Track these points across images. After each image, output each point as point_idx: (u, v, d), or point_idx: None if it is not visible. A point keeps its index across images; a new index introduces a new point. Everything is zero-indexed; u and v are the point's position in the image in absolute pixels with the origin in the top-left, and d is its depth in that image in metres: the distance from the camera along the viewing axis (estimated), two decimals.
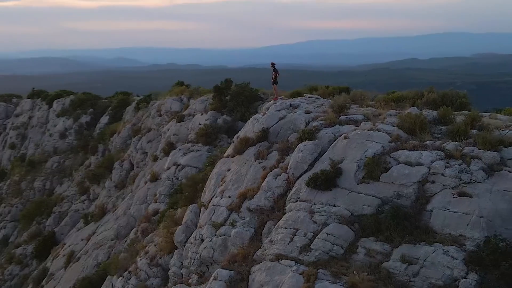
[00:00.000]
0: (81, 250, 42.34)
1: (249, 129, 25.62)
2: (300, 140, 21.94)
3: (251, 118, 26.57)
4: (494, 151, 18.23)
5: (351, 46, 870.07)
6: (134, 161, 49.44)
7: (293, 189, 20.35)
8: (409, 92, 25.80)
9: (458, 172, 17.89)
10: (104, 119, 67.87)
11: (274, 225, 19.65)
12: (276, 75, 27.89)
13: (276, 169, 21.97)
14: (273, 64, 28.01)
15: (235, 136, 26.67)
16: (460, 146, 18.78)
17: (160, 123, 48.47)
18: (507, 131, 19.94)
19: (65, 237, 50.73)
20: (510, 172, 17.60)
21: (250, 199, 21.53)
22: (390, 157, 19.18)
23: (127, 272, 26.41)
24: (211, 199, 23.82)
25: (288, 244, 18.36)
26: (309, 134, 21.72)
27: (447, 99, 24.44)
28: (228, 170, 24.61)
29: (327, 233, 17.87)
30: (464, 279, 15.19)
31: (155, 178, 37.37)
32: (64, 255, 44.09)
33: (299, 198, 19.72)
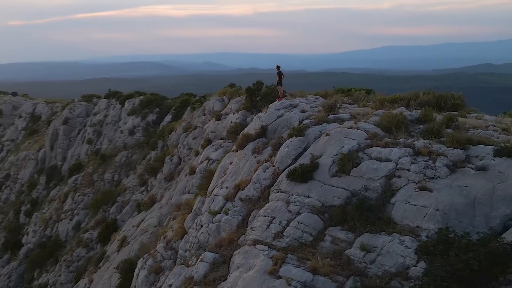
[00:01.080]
0: (131, 235, 44.38)
1: (252, 126, 26.52)
2: (290, 136, 22.57)
3: (255, 117, 27.46)
4: (460, 149, 18.34)
5: (426, 51, 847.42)
6: (181, 155, 51.26)
7: (277, 181, 21.03)
8: (407, 94, 25.88)
9: (423, 168, 18.13)
10: (168, 118, 70.11)
11: None
12: (280, 77, 28.65)
13: (266, 162, 22.66)
14: (278, 67, 28.79)
15: (241, 133, 27.64)
16: (430, 144, 18.98)
17: (204, 121, 49.87)
18: (480, 131, 19.97)
19: (124, 224, 53.17)
20: (472, 169, 17.68)
21: (242, 190, 22.34)
22: (364, 153, 19.55)
23: (147, 254, 27.90)
24: (213, 189, 24.84)
25: (264, 230, 19.09)
26: (298, 131, 22.29)
27: (441, 101, 24.42)
28: (230, 164, 25.53)
29: (298, 222, 18.47)
30: (414, 267, 15.51)
31: (192, 171, 38.68)
32: (118, 240, 46.34)
33: (280, 189, 20.35)
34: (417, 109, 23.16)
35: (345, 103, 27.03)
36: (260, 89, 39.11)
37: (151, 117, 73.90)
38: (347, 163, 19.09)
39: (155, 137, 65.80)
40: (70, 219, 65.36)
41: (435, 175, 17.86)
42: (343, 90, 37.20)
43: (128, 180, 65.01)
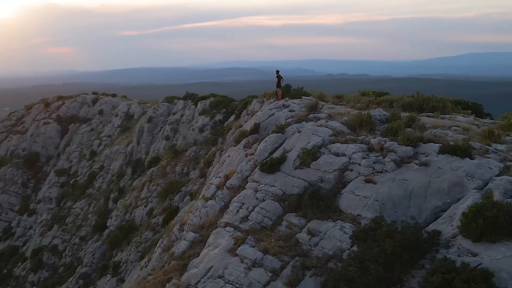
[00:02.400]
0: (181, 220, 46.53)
1: (249, 123, 27.49)
2: (273, 133, 23.39)
3: (254, 115, 28.35)
4: (410, 146, 18.59)
5: None
6: None
7: (253, 172, 21.97)
8: (393, 96, 25.92)
9: (373, 163, 18.53)
10: (232, 118, 71.95)
11: None
12: (279, 80, 29.39)
13: (251, 155, 23.56)
14: (277, 72, 29.56)
15: (239, 129, 28.61)
16: (384, 141, 19.30)
17: (247, 120, 51.16)
18: (437, 130, 20.02)
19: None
20: (416, 164, 17.91)
21: (229, 179, 23.39)
22: (326, 148, 20.08)
23: (165, 235, 29.63)
24: (211, 178, 26.13)
25: (234, 214, 20.16)
26: (280, 128, 23.03)
27: (424, 103, 24.36)
28: (228, 156, 26.70)
29: (261, 207, 19.37)
30: (348, 251, 16.16)
31: None
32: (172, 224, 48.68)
33: (253, 179, 21.21)
34: (395, 110, 23.30)
35: (337, 104, 27.42)
36: (289, 91, 39.80)
37: (218, 117, 75.92)
38: (307, 157, 19.74)
39: (218, 134, 67.89)
40: (145, 206, 68.62)
41: (383, 169, 18.23)
42: (367, 93, 37.27)
43: (194, 172, 67.31)
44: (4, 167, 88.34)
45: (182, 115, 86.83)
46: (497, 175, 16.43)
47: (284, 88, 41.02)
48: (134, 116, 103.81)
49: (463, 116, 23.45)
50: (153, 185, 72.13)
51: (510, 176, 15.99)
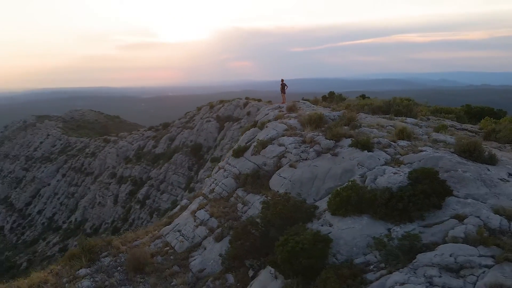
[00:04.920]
0: None
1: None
2: (257, 127, 25.50)
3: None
4: (333, 140, 19.84)
5: None
6: None
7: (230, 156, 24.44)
8: (366, 100, 26.31)
9: (301, 152, 20.04)
10: None
11: None
12: (283, 87, 31.03)
13: None
14: (282, 80, 31.20)
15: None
16: (316, 135, 20.72)
17: None
18: (363, 128, 20.87)
19: None
20: (331, 154, 19.21)
21: (222, 162, 26.12)
22: (277, 140, 21.94)
23: None
24: (220, 162, 28.86)
25: (208, 187, 23.02)
26: (262, 124, 25.00)
27: (391, 106, 24.64)
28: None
29: (222, 183, 21.89)
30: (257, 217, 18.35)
31: None
32: None
33: (228, 162, 23.75)
34: (367, 113, 24.15)
35: (326, 107, 28.45)
36: (333, 98, 40.76)
37: None
38: (260, 146, 21.81)
39: None
40: None
41: (307, 157, 19.70)
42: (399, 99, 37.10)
43: None
44: (177, 154, 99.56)
45: None
46: (382, 165, 17.29)
47: (329, 94, 42.33)
48: None
49: (414, 118, 23.47)
50: None
51: (388, 166, 16.84)
